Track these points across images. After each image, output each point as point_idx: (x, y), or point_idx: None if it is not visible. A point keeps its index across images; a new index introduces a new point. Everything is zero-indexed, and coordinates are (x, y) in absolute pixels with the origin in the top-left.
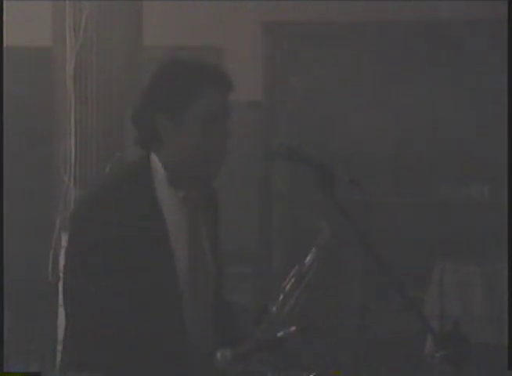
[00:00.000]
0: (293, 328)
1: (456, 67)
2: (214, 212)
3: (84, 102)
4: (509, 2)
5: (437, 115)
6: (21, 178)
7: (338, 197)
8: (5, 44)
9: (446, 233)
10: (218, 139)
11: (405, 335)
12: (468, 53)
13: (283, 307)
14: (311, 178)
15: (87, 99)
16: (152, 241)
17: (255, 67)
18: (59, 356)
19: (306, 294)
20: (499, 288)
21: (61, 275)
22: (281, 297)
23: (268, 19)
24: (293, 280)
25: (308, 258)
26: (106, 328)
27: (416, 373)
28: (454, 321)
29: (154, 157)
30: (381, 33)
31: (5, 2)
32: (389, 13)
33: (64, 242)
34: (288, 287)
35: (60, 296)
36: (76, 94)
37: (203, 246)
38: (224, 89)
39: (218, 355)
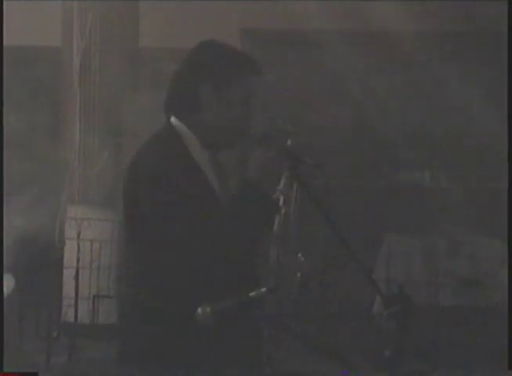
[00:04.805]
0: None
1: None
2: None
3: (87, 93)
4: (509, 2)
5: (388, 108)
6: (34, 159)
7: (303, 178)
8: (18, 43)
9: (394, 211)
10: (246, 115)
11: (357, 296)
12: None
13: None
14: (280, 161)
15: (90, 91)
16: (201, 196)
17: None
18: (64, 310)
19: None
20: (436, 258)
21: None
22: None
23: (246, 27)
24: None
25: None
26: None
27: (366, 328)
28: (399, 285)
29: (179, 123)
30: (339, 40)
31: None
32: (344, 23)
33: (69, 213)
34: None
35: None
36: (81, 87)
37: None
38: (257, 76)
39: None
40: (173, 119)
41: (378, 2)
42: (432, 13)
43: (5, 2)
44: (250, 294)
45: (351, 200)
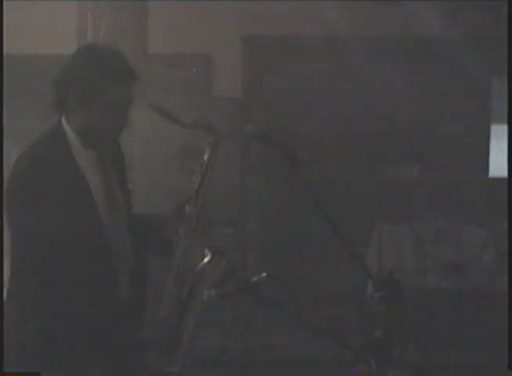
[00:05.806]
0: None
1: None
2: (122, 169)
3: None
4: (509, 2)
5: (377, 109)
6: None
7: (300, 172)
8: (36, 52)
9: (385, 202)
10: (118, 119)
11: (351, 281)
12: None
13: (197, 203)
14: (279, 157)
15: None
16: (76, 194)
17: (236, 71)
18: None
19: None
20: (423, 245)
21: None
22: (193, 196)
23: (246, 34)
24: (198, 179)
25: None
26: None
27: (360, 309)
28: (389, 270)
29: (64, 122)
30: (330, 46)
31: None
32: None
33: None
34: (196, 185)
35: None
36: None
37: (118, 197)
38: (128, 83)
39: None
40: (62, 117)
41: (375, 5)
42: (429, 17)
43: (26, 13)
44: (252, 279)
45: (344, 193)
